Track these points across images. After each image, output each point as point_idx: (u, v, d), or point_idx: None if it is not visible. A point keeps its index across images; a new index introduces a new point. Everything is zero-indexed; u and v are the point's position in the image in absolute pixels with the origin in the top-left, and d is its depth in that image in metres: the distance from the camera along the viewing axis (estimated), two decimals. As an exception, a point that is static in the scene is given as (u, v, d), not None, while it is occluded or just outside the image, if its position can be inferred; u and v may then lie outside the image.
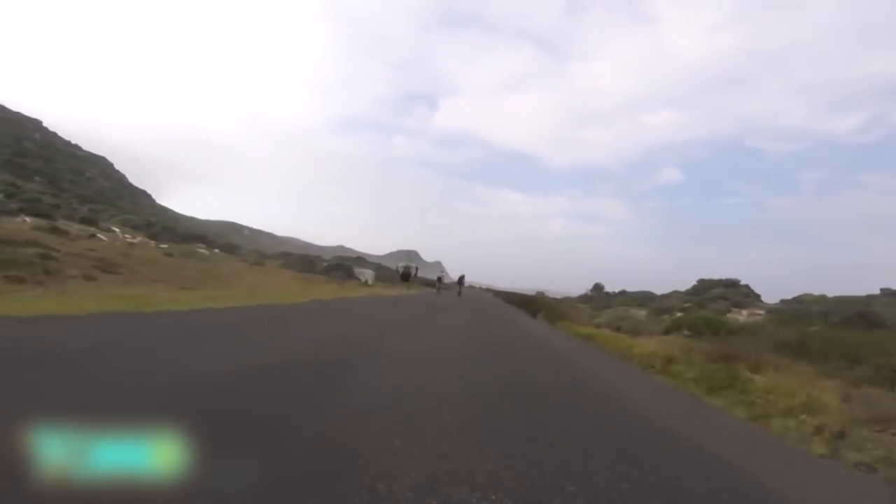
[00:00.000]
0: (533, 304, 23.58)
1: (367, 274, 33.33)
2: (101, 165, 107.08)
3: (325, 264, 33.44)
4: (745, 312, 28.63)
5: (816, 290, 32.28)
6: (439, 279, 42.65)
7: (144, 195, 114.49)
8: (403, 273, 35.98)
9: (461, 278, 41.04)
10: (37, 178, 59.97)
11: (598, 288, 41.83)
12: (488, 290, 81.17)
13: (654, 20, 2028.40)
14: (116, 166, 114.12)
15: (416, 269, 38.23)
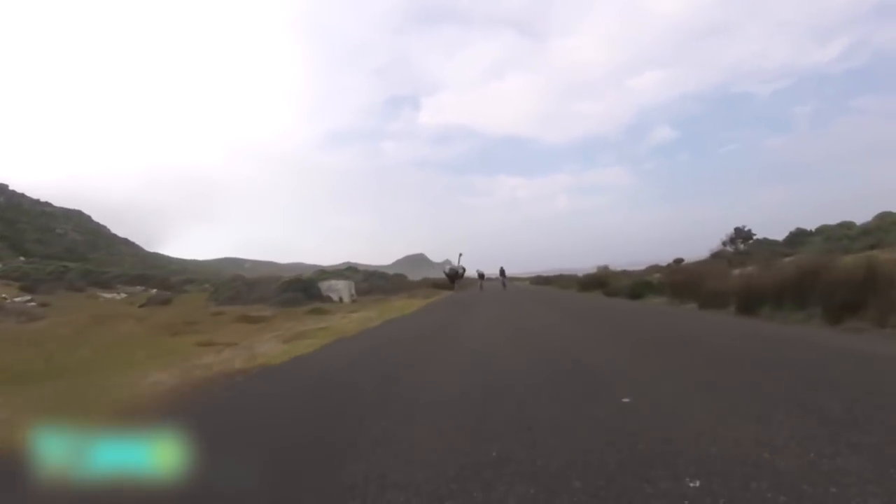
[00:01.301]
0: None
1: (340, 289, 22.77)
2: (74, 219, 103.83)
3: (281, 285, 22.80)
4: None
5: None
6: (480, 275, 37.38)
7: (127, 244, 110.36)
8: (450, 274, 34.83)
9: (480, 273, 37.18)
10: (-4, 242, 53.42)
11: (740, 235, 28.48)
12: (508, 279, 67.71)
13: None
14: (95, 217, 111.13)
15: (464, 269, 35.74)
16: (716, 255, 24.47)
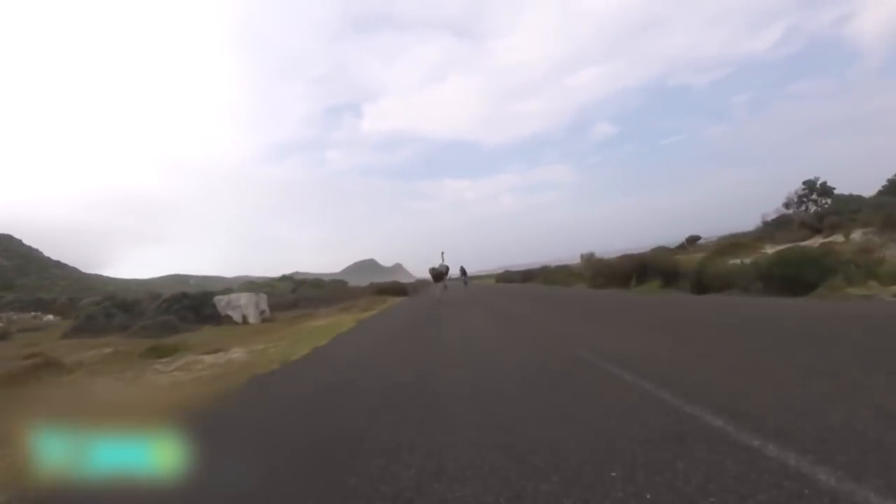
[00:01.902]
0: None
1: (243, 305, 16.27)
2: (3, 244, 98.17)
3: (161, 304, 15.93)
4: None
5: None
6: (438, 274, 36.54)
7: (60, 267, 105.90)
8: (435, 274, 33.96)
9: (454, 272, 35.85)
10: None
11: (814, 190, 22.24)
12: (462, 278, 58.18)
13: None
14: (26, 241, 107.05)
15: (447, 267, 34.82)
16: (780, 223, 19.38)
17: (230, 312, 16.05)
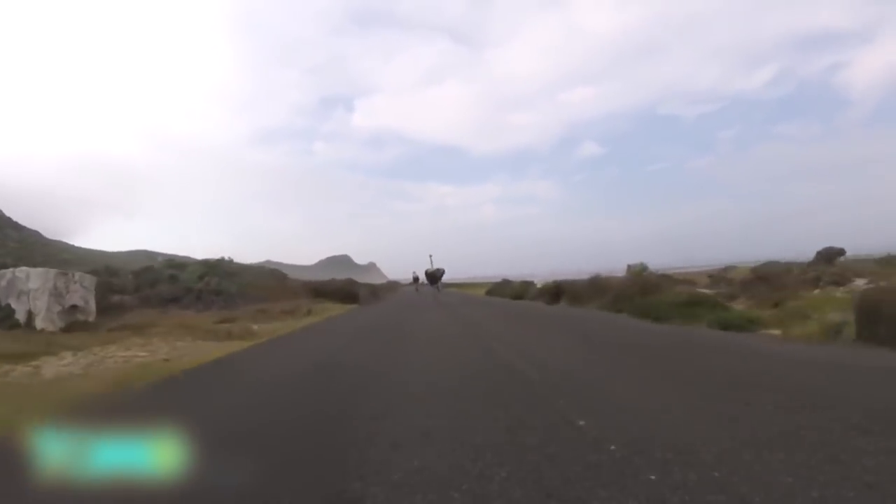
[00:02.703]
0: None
1: (32, 288, 7.45)
2: None
3: None
4: None
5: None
6: (416, 279, 40.59)
7: (17, 228, 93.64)
8: (431, 276, 35.49)
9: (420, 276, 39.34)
10: None
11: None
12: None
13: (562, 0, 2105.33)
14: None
15: (443, 270, 36.27)
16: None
17: (11, 302, 7.05)
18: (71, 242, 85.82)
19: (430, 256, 38.29)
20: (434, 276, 35.47)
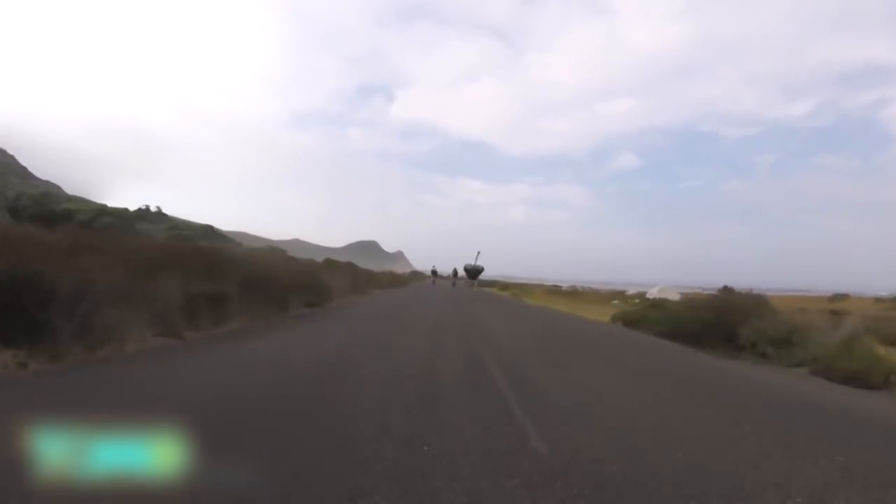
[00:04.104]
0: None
1: None
2: None
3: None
4: None
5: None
6: (455, 272, 40.60)
7: (25, 176, 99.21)
8: (472, 271, 36.03)
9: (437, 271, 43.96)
10: None
11: None
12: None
13: (609, 11, 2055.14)
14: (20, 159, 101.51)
15: (482, 268, 36.45)
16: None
17: None
18: (90, 199, 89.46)
19: (478, 253, 37.67)
20: (474, 272, 35.63)
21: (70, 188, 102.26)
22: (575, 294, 34.26)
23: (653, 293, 27.47)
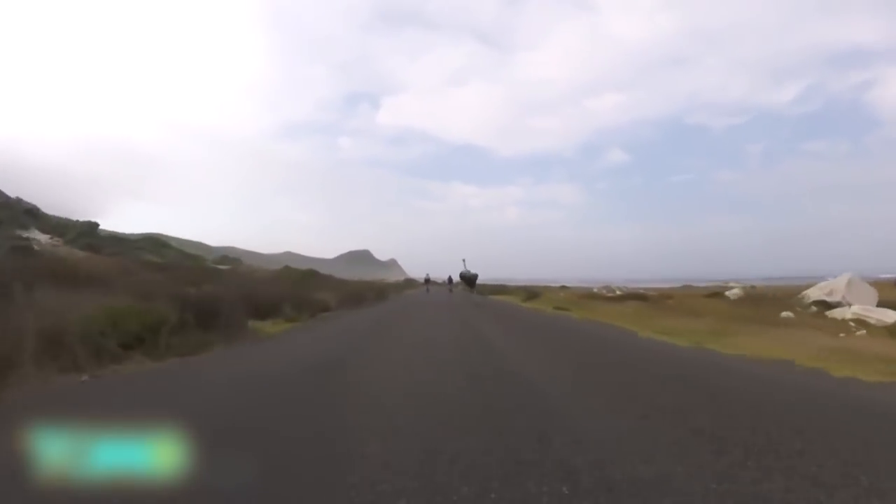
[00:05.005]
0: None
1: None
2: None
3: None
4: None
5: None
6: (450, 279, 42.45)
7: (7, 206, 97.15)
8: (468, 278, 36.02)
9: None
10: None
11: None
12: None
13: (593, 7, 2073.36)
14: None
15: (476, 274, 37.13)
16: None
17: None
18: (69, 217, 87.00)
19: (464, 260, 37.68)
20: (471, 280, 36.15)
21: (49, 208, 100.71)
22: (658, 303, 18.59)
23: (838, 289, 14.13)
